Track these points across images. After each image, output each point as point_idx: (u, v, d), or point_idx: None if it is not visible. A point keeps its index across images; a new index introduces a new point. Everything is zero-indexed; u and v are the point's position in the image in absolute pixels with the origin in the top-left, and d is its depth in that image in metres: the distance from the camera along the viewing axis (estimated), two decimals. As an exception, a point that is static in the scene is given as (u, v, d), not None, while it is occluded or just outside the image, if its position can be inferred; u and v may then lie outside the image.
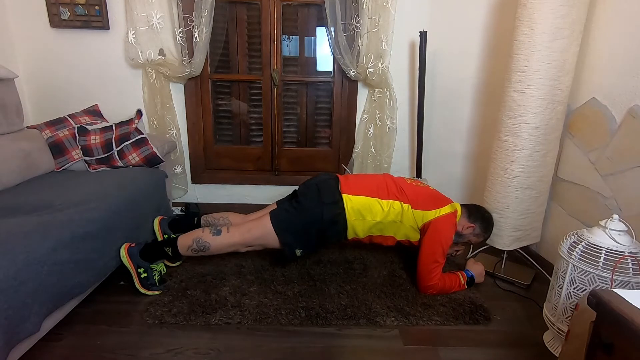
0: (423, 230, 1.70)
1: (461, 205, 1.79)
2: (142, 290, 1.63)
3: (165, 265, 1.78)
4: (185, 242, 1.66)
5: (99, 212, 1.50)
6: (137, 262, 1.62)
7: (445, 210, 1.71)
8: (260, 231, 1.65)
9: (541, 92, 1.59)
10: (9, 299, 1.08)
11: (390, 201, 1.69)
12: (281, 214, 1.70)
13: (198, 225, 1.92)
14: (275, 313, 1.53)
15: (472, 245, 2.15)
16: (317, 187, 1.73)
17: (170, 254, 1.67)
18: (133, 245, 1.64)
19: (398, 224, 1.71)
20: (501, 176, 1.75)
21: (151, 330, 1.43)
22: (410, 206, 1.70)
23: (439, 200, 1.75)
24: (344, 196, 1.68)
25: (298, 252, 1.68)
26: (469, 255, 2.08)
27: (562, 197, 1.82)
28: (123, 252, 1.61)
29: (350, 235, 1.72)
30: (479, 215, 1.77)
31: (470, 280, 1.73)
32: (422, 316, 1.54)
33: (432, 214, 1.69)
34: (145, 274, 1.63)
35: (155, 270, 1.68)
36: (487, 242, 1.86)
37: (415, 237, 1.74)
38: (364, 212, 1.67)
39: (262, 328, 1.46)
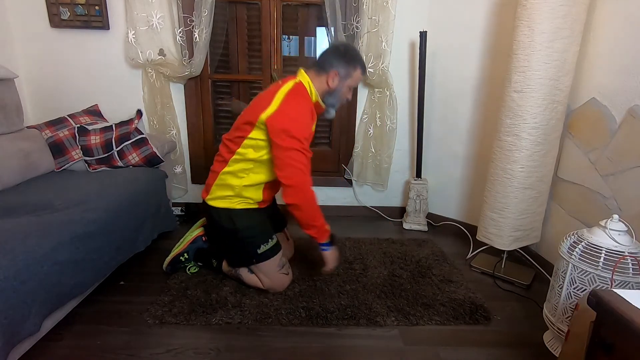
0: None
1: (307, 67, 1.53)
2: (166, 261, 1.77)
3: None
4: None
5: (99, 212, 1.50)
6: (191, 249, 1.78)
7: (277, 99, 1.41)
8: (263, 280, 1.62)
9: (541, 92, 1.59)
10: (9, 299, 1.08)
11: (230, 160, 1.52)
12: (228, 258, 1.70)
13: None
14: (275, 313, 1.53)
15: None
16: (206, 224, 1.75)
17: (214, 266, 1.77)
18: (205, 239, 1.81)
19: (252, 166, 1.50)
20: (501, 176, 1.75)
21: (151, 330, 1.43)
22: (245, 138, 1.46)
23: (264, 101, 1.44)
24: (208, 201, 1.59)
25: (262, 249, 1.57)
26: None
27: (562, 197, 1.82)
28: (193, 235, 1.80)
29: (253, 205, 1.59)
30: (332, 58, 1.46)
31: (330, 242, 1.57)
32: (422, 316, 1.54)
33: (262, 123, 1.41)
34: (182, 260, 1.77)
35: (189, 265, 1.82)
36: (487, 242, 1.85)
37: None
38: (226, 192, 1.53)
39: (262, 328, 1.46)
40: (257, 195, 1.59)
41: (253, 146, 1.48)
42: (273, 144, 1.41)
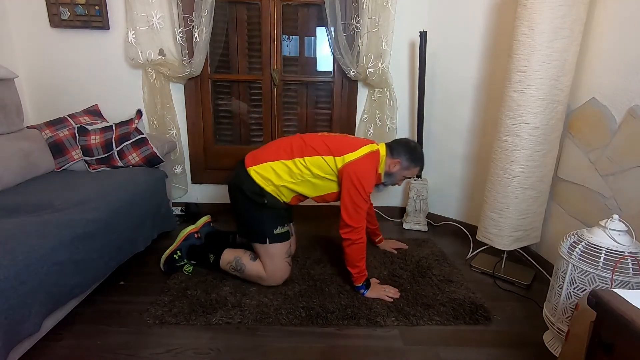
0: (340, 177, 1.64)
1: (386, 144, 1.74)
2: (162, 260, 1.79)
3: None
4: (229, 256, 1.73)
5: (99, 212, 1.50)
6: (184, 246, 1.80)
7: (360, 152, 1.62)
8: (268, 264, 1.66)
9: (541, 92, 1.59)
10: (9, 299, 1.08)
11: (296, 159, 1.62)
12: (242, 231, 1.75)
13: (233, 244, 1.91)
14: (275, 313, 1.53)
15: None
16: (230, 188, 1.71)
17: (211, 261, 1.76)
18: (197, 236, 1.85)
19: (311, 181, 1.64)
20: (501, 176, 1.75)
21: (151, 330, 1.43)
22: (320, 157, 1.62)
23: (351, 145, 1.65)
24: (250, 170, 1.63)
25: (277, 231, 1.66)
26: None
27: (562, 197, 1.83)
28: (186, 232, 1.83)
29: (283, 199, 1.67)
30: (402, 148, 1.71)
31: (364, 285, 1.68)
32: (422, 316, 1.54)
33: (341, 160, 1.61)
34: (176, 257, 1.79)
35: (184, 265, 1.82)
36: (487, 242, 1.85)
37: (337, 188, 1.69)
38: (271, 176, 1.61)
39: (262, 328, 1.46)
40: (288, 197, 1.69)
41: (320, 166, 1.62)
42: (345, 189, 1.59)
